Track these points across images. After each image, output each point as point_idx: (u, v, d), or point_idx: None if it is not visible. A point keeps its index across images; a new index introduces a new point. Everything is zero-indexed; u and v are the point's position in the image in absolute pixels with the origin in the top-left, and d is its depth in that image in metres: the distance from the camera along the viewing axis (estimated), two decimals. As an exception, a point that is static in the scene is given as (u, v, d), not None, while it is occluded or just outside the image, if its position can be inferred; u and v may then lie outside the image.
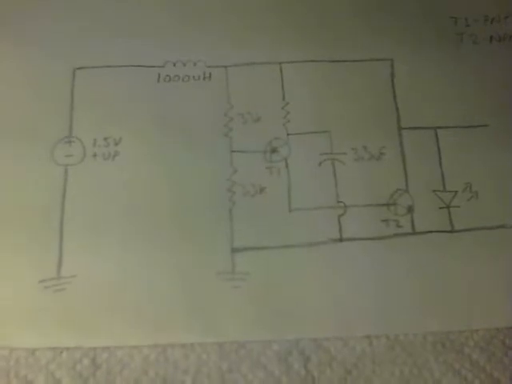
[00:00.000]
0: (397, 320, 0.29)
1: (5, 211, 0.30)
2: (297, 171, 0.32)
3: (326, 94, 0.34)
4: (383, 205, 0.31)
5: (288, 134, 0.33)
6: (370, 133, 0.33)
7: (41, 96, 0.33)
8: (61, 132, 0.32)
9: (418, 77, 0.34)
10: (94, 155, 0.32)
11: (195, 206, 0.31)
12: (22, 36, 0.34)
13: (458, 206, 0.31)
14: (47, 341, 0.28)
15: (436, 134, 0.33)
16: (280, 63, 0.34)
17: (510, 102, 0.34)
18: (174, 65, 0.34)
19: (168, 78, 0.34)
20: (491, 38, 0.35)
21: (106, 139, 0.32)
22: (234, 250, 0.30)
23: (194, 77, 0.34)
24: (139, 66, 0.34)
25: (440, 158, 0.32)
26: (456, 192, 0.32)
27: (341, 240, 0.30)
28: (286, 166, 0.32)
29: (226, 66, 0.34)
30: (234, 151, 0.32)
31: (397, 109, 0.33)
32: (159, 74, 0.34)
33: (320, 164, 0.32)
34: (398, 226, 0.31)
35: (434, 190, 0.32)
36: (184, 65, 0.34)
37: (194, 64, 0.34)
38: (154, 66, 0.34)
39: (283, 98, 0.33)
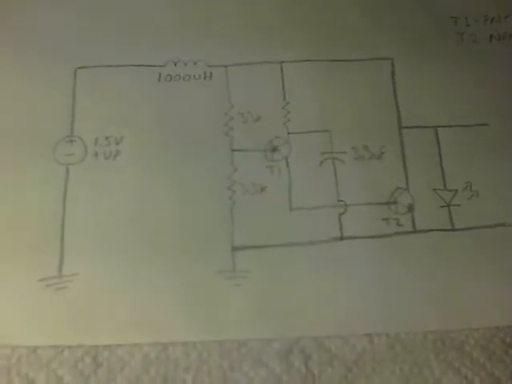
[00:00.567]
0: (397, 318, 0.29)
1: (7, 210, 0.30)
2: (297, 170, 0.32)
3: (327, 93, 0.34)
4: (384, 203, 0.31)
5: (288, 133, 0.33)
6: (370, 132, 0.33)
7: (42, 95, 0.33)
8: (62, 131, 0.32)
9: (418, 76, 0.34)
10: (96, 154, 0.32)
11: (196, 205, 0.31)
12: (23, 36, 0.34)
13: (459, 205, 0.31)
14: (49, 339, 0.28)
15: (436, 133, 0.33)
16: (280, 63, 0.34)
17: (510, 102, 0.34)
18: (175, 64, 0.34)
19: (169, 77, 0.34)
20: (491, 37, 0.35)
21: (107, 138, 0.32)
22: (235, 249, 0.30)
23: (194, 76, 0.34)
24: (140, 65, 0.34)
25: (440, 157, 0.32)
26: (456, 191, 0.32)
27: (341, 238, 0.31)
28: (287, 165, 0.32)
29: (226, 66, 0.34)
30: (235, 150, 0.32)
31: (397, 108, 0.33)
32: (160, 74, 0.34)
33: (320, 163, 0.32)
34: (399, 225, 0.31)
35: (435, 189, 0.32)
36: (185, 64, 0.34)
37: (195, 63, 0.34)
38: (155, 66, 0.34)
39: (284, 98, 0.33)
